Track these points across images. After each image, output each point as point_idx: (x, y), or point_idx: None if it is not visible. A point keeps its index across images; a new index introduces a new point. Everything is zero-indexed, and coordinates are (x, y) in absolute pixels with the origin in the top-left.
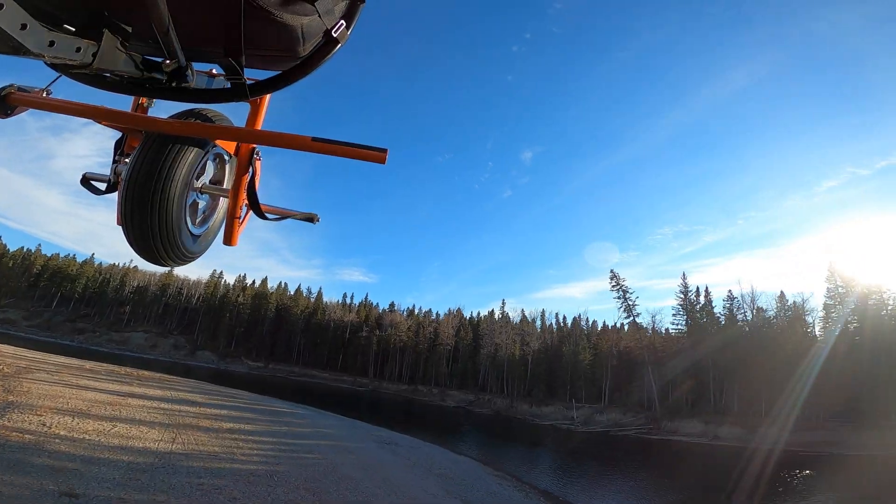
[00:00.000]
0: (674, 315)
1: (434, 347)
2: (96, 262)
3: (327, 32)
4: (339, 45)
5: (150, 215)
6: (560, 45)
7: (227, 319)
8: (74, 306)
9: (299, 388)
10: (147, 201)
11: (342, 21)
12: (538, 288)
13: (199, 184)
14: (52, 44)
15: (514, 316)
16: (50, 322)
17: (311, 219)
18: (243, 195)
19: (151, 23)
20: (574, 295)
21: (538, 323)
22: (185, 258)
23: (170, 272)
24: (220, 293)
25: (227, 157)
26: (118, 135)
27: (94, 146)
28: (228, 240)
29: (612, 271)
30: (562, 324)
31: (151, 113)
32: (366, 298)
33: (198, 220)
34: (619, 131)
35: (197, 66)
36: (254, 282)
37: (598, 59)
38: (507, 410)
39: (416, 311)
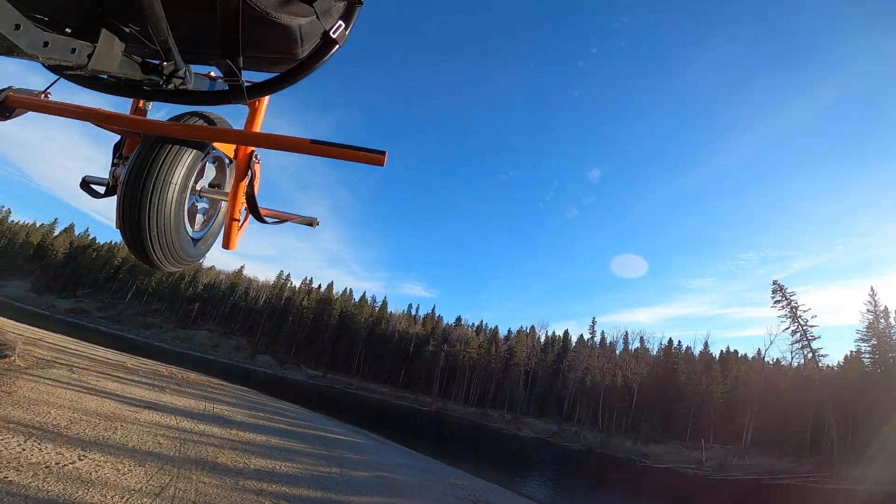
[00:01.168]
0: (858, 341)
1: (508, 368)
2: None
3: (325, 34)
4: (338, 45)
5: (147, 219)
6: (628, 59)
7: (290, 324)
8: (147, 300)
9: (357, 404)
10: (144, 205)
11: (340, 22)
12: (602, 311)
13: (198, 187)
14: (46, 45)
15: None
16: (121, 315)
17: (310, 223)
18: (242, 198)
19: (148, 25)
20: (642, 320)
21: (618, 346)
22: (184, 262)
23: (239, 271)
24: (285, 296)
25: (226, 161)
26: (118, 137)
27: None
28: (227, 243)
29: (776, 284)
30: (674, 349)
31: (150, 115)
32: (433, 311)
33: (197, 224)
34: (694, 148)
35: (195, 68)
36: (319, 286)
37: (671, 73)
38: (601, 446)
39: (484, 327)
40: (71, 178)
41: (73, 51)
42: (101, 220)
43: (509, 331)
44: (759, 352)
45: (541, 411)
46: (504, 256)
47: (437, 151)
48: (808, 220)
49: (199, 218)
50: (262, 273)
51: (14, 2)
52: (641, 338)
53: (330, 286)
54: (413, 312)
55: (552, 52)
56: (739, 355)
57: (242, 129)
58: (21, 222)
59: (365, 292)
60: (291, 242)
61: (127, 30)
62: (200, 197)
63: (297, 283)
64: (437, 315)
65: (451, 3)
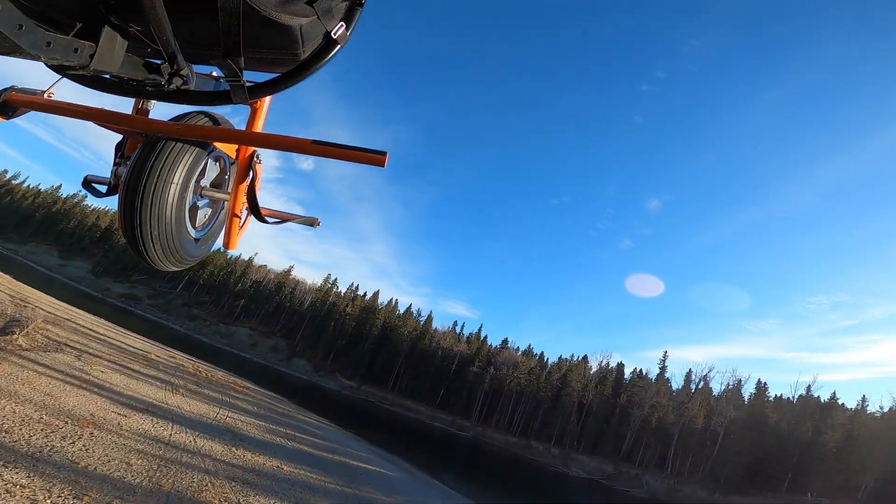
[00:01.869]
0: None
1: (560, 398)
2: (230, 256)
3: (327, 34)
4: (340, 46)
5: (147, 219)
6: (697, 85)
7: (331, 329)
8: (196, 292)
9: (390, 421)
10: (145, 205)
11: (342, 23)
12: (648, 346)
13: (199, 187)
14: (49, 45)
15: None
16: (169, 304)
17: (311, 223)
18: (243, 198)
19: (150, 25)
20: (692, 358)
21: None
22: (185, 261)
23: (288, 271)
24: (330, 301)
25: (227, 160)
26: (120, 137)
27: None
28: (228, 242)
29: None
30: (762, 391)
31: (152, 116)
32: (479, 330)
33: (198, 224)
34: (764, 181)
35: (198, 68)
36: (364, 294)
37: (742, 101)
38: (669, 494)
39: (532, 352)
40: None
41: (76, 51)
42: None
43: (560, 358)
44: (864, 399)
45: (593, 448)
46: (548, 282)
47: (490, 172)
48: (890, 267)
49: (201, 217)
50: (308, 275)
51: (17, 2)
52: (706, 376)
53: (375, 295)
54: (458, 330)
55: (614, 76)
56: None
57: (244, 129)
58: (94, 206)
59: (411, 305)
60: (342, 252)
61: (129, 30)
62: (202, 196)
63: (343, 289)
64: (483, 335)
65: (511, 23)
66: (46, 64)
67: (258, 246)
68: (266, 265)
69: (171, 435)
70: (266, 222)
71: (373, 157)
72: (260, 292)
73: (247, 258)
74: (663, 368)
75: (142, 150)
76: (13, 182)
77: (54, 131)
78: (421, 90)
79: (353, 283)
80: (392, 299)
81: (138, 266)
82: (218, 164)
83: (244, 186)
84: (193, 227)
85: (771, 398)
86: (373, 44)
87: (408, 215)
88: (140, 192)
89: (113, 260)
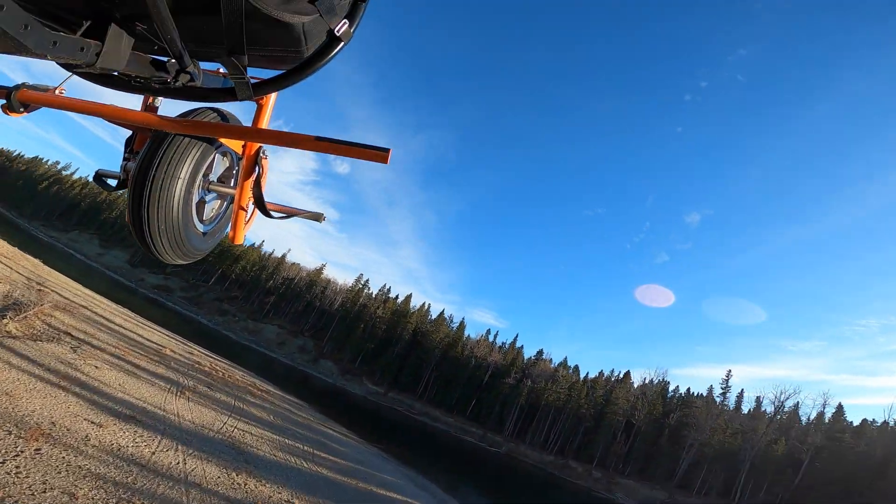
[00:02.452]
0: None
1: (604, 416)
2: (263, 252)
3: (330, 31)
4: (343, 43)
5: (155, 212)
6: (743, 95)
7: (360, 332)
8: (228, 287)
9: (417, 433)
10: (153, 199)
11: (345, 20)
12: (680, 363)
13: (206, 182)
14: (55, 44)
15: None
16: (201, 298)
17: (317, 218)
18: (249, 193)
19: (154, 24)
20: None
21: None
22: (191, 255)
23: (319, 270)
24: (360, 302)
25: (234, 156)
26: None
27: (297, 165)
28: (234, 237)
29: None
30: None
31: (161, 112)
32: (514, 340)
33: (205, 218)
34: (814, 197)
35: (206, 65)
36: (396, 297)
37: (792, 112)
38: None
39: (567, 365)
40: None
41: (82, 49)
42: None
43: (601, 373)
44: None
45: (641, 472)
46: (578, 294)
47: (523, 180)
48: None
49: (208, 212)
50: (340, 276)
51: (22, 2)
52: (758, 398)
53: (407, 299)
54: (491, 339)
55: (656, 84)
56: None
57: (250, 125)
58: None
59: (443, 310)
60: (373, 255)
61: (135, 28)
62: (209, 191)
63: (374, 291)
64: (518, 346)
65: (550, 28)
66: (57, 62)
67: (290, 244)
68: (298, 263)
69: (153, 453)
70: (272, 217)
71: (376, 154)
72: (291, 290)
73: (280, 255)
74: (726, 389)
75: (149, 146)
76: (63, 172)
77: (108, 124)
78: (456, 96)
79: (385, 285)
80: (425, 303)
81: None
82: (225, 159)
83: (250, 181)
84: (200, 221)
85: (849, 421)
86: (409, 50)
87: (439, 221)
88: (147, 186)
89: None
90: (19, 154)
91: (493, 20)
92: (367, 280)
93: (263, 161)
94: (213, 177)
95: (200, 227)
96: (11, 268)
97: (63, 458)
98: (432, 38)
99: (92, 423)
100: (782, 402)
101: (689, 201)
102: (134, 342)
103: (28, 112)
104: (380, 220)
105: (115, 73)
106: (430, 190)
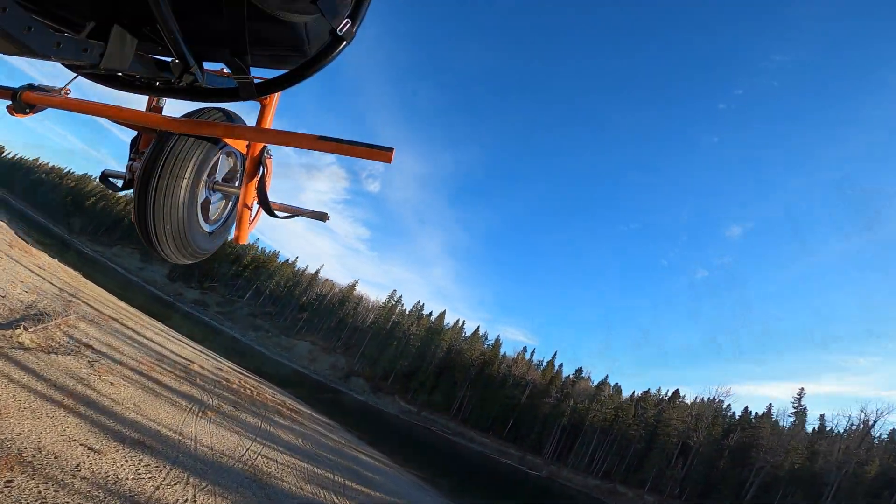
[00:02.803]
0: None
1: (655, 437)
2: (297, 268)
3: (333, 31)
4: (346, 43)
5: (161, 212)
6: (782, 102)
7: (393, 349)
8: (262, 302)
9: (453, 455)
10: (158, 199)
11: (348, 19)
12: (721, 380)
13: (211, 182)
14: (58, 45)
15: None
16: (235, 313)
17: (321, 217)
18: (254, 193)
19: (157, 24)
20: (773, 395)
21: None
22: (197, 255)
23: (352, 287)
24: (393, 319)
25: (239, 156)
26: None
27: (331, 184)
28: (238, 236)
29: None
30: None
31: (165, 112)
32: (553, 358)
33: (210, 218)
34: (873, 203)
35: (209, 65)
36: (430, 314)
37: (838, 119)
38: None
39: (608, 383)
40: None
41: (86, 51)
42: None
43: (648, 391)
44: None
45: (702, 498)
46: (612, 312)
47: (554, 195)
48: None
49: (213, 211)
50: (373, 292)
51: (25, 4)
52: (867, 417)
53: (441, 315)
54: (527, 357)
55: (688, 93)
56: None
57: (255, 125)
58: None
59: (478, 327)
60: (404, 273)
61: (138, 29)
62: (214, 191)
63: (408, 308)
64: (557, 363)
65: (578, 40)
66: (62, 63)
67: (323, 262)
68: (331, 280)
69: (157, 487)
70: (276, 216)
71: (379, 153)
72: (323, 306)
73: (313, 271)
74: (799, 409)
75: (154, 146)
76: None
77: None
78: (486, 112)
79: (418, 302)
80: (459, 320)
81: (211, 273)
82: (230, 159)
83: (255, 181)
84: (206, 220)
85: None
86: (438, 64)
87: (469, 239)
88: (152, 186)
89: (188, 266)
90: (69, 171)
91: (524, 33)
92: (401, 297)
93: (268, 161)
94: (218, 177)
95: (206, 227)
96: (45, 278)
97: (39, 492)
98: (462, 52)
99: (89, 448)
100: (873, 421)
101: (728, 214)
102: (160, 357)
103: (34, 113)
104: (410, 238)
105: (120, 74)
106: (459, 207)
